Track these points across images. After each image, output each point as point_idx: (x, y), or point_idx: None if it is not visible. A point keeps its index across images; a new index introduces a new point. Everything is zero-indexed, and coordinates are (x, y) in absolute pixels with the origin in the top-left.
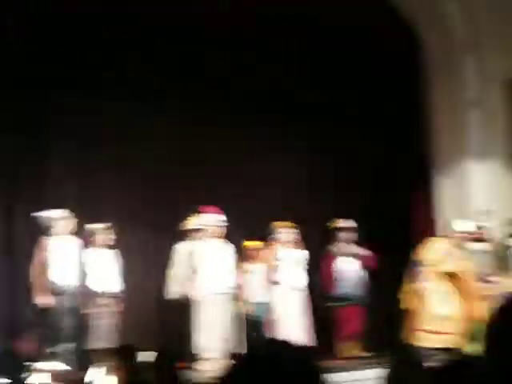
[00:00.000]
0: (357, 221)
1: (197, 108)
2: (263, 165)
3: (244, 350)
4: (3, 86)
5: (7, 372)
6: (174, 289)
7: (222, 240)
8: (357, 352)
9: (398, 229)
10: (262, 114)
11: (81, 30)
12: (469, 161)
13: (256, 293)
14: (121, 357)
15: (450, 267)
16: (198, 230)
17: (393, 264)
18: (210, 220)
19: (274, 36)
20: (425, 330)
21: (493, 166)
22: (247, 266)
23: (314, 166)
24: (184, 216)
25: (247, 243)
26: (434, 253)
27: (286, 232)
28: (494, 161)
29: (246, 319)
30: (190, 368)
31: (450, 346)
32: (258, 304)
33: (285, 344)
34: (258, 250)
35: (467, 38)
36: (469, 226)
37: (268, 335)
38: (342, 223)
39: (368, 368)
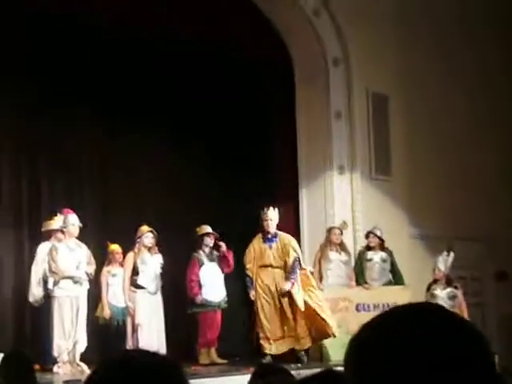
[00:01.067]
0: (221, 229)
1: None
2: (131, 169)
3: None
4: None
5: None
6: (36, 290)
7: (77, 241)
8: (217, 358)
9: None
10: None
11: None
12: (332, 173)
13: (118, 296)
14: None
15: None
16: (58, 231)
17: None
18: (68, 221)
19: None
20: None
21: (355, 179)
22: (110, 268)
23: (181, 174)
24: (47, 217)
25: (112, 246)
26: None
27: (149, 236)
28: (356, 174)
29: (105, 323)
30: (46, 370)
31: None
32: (118, 308)
33: (143, 353)
34: (121, 253)
35: (334, 51)
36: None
37: (127, 340)
38: (207, 229)
39: (227, 375)
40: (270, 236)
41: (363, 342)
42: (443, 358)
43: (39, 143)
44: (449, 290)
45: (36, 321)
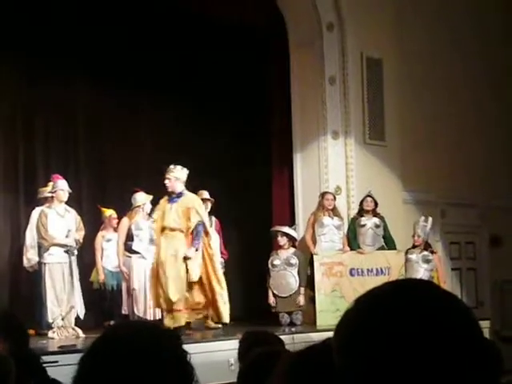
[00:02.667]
0: (220, 195)
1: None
2: (125, 131)
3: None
4: None
5: None
6: (31, 255)
7: (66, 206)
8: (210, 323)
9: (257, 203)
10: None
11: None
12: (326, 138)
13: (112, 261)
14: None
15: None
16: (49, 197)
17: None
18: (57, 185)
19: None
20: None
21: (349, 145)
22: (105, 233)
23: (176, 139)
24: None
25: (107, 211)
26: None
27: (147, 202)
28: (350, 139)
29: (100, 288)
30: (41, 335)
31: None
32: (113, 273)
33: (141, 323)
34: (116, 218)
35: (328, 16)
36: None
37: (123, 305)
38: (205, 195)
39: (220, 340)
40: (173, 196)
41: (350, 321)
42: (430, 336)
43: (34, 109)
44: (424, 253)
45: (31, 286)
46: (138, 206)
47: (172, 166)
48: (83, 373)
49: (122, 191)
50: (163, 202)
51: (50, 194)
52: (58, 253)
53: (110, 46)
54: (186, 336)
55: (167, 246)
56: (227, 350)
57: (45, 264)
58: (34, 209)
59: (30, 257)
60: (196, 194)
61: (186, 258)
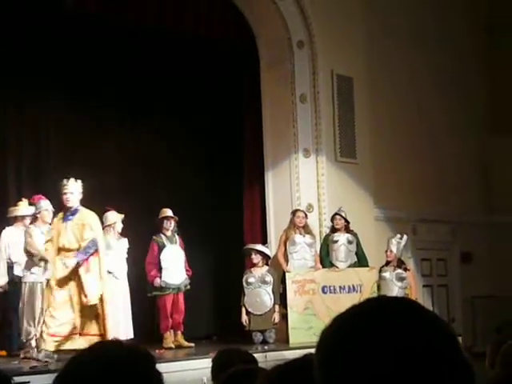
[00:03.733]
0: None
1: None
2: (101, 151)
3: None
4: None
5: None
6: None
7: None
8: (182, 341)
9: (230, 221)
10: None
11: None
12: (297, 156)
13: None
14: None
15: None
16: (25, 217)
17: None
18: (42, 206)
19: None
20: None
21: (320, 162)
22: None
23: (150, 159)
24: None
25: None
26: None
27: (118, 221)
28: (322, 157)
29: None
30: (12, 356)
31: None
32: None
33: (113, 344)
34: None
35: (298, 34)
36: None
37: None
38: (167, 213)
39: (193, 358)
40: (68, 214)
41: (330, 339)
42: (410, 353)
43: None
44: (398, 271)
45: (1, 306)
46: (109, 225)
47: (65, 180)
48: None
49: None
50: (57, 220)
51: (27, 213)
52: (39, 272)
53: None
54: (158, 355)
55: (64, 270)
56: (200, 368)
57: (25, 283)
58: (3, 229)
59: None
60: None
61: (64, 266)
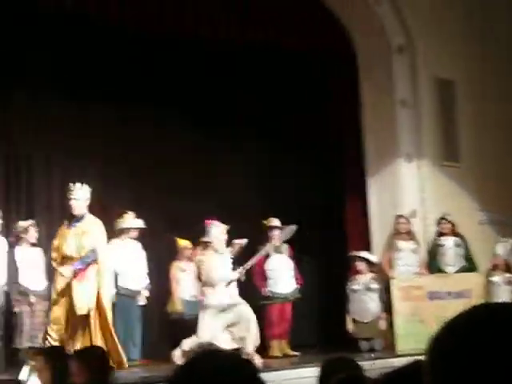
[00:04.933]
0: (291, 219)
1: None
2: (196, 164)
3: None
4: None
5: None
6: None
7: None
8: (287, 351)
9: (333, 229)
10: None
11: None
12: (399, 161)
13: (188, 291)
14: (47, 357)
15: None
16: (129, 230)
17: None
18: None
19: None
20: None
21: (423, 167)
22: (180, 263)
23: (248, 167)
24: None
25: (181, 242)
26: None
27: (220, 232)
28: (424, 161)
29: (177, 317)
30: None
31: None
32: (189, 302)
33: (217, 352)
34: (191, 248)
35: (397, 38)
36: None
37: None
38: (274, 222)
39: (299, 367)
40: (73, 220)
41: (443, 346)
42: None
43: (96, 136)
44: (506, 275)
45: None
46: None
47: (71, 185)
48: None
49: (196, 221)
50: (63, 227)
51: (126, 226)
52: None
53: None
54: (264, 364)
55: (60, 279)
56: (307, 377)
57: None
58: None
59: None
60: (264, 221)
61: (61, 275)
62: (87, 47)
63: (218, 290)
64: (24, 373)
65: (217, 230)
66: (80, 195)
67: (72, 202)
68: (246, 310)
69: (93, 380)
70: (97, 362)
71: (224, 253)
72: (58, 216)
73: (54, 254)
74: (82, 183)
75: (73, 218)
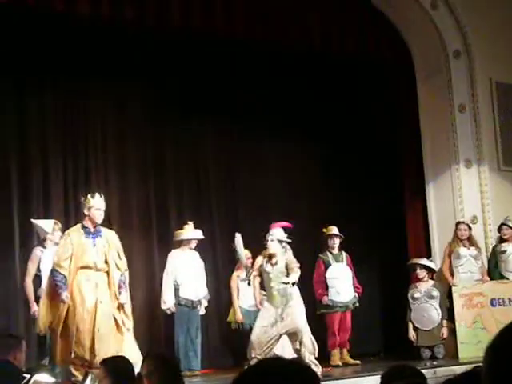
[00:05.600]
0: (351, 227)
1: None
2: (256, 172)
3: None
4: None
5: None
6: (168, 298)
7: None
8: (348, 359)
9: (392, 236)
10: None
11: None
12: (458, 167)
13: (248, 300)
14: (107, 367)
15: None
16: (189, 241)
17: (385, 270)
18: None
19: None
20: None
21: (482, 172)
22: (240, 273)
23: (306, 174)
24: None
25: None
26: None
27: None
28: (484, 167)
29: (238, 327)
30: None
31: None
32: (249, 312)
33: (277, 360)
34: (250, 258)
35: (454, 43)
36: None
37: None
38: (334, 230)
39: (360, 376)
40: (93, 230)
41: (499, 352)
42: None
43: (164, 152)
44: None
45: (168, 328)
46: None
47: (91, 196)
48: None
49: (254, 231)
50: (77, 235)
51: (189, 237)
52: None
53: (234, 93)
54: (326, 373)
55: (94, 290)
56: None
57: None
58: (169, 252)
59: (166, 300)
60: (323, 229)
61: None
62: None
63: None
64: (88, 381)
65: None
66: (102, 205)
67: (101, 213)
68: (298, 322)
69: None
70: (120, 370)
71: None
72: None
73: (65, 263)
74: (101, 194)
75: (86, 227)
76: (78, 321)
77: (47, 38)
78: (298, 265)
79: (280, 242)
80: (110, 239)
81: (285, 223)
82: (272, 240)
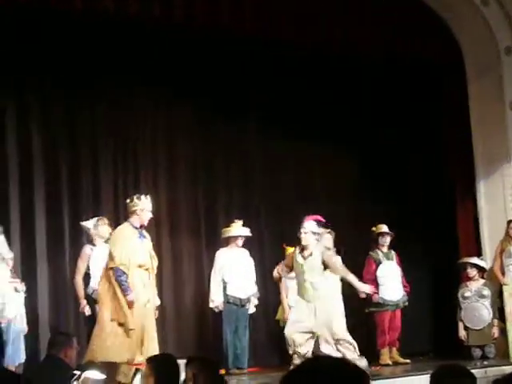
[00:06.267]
0: (401, 226)
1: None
2: (302, 172)
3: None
4: None
5: (56, 380)
6: (216, 296)
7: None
8: (398, 358)
9: (442, 235)
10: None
11: None
12: (510, 165)
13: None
14: (153, 365)
15: None
16: (237, 238)
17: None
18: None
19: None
20: None
21: None
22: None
23: (353, 170)
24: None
25: (289, 249)
26: None
27: (326, 237)
28: None
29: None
30: (230, 375)
31: None
32: None
33: (326, 359)
34: None
35: (505, 40)
36: None
37: None
38: (384, 228)
39: (410, 375)
40: (140, 230)
41: None
42: None
43: (214, 153)
44: None
45: (217, 326)
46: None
47: (137, 197)
48: None
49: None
50: (131, 236)
51: (233, 234)
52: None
53: (282, 95)
54: (375, 372)
55: (143, 289)
56: None
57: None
58: (217, 250)
59: (214, 298)
60: (373, 228)
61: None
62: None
63: None
64: (137, 379)
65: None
66: (151, 206)
67: (146, 214)
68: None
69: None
70: (165, 368)
71: None
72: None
73: (126, 262)
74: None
75: (136, 229)
76: (132, 320)
77: (94, 38)
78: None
79: (314, 233)
80: (149, 241)
81: (318, 216)
82: (305, 233)
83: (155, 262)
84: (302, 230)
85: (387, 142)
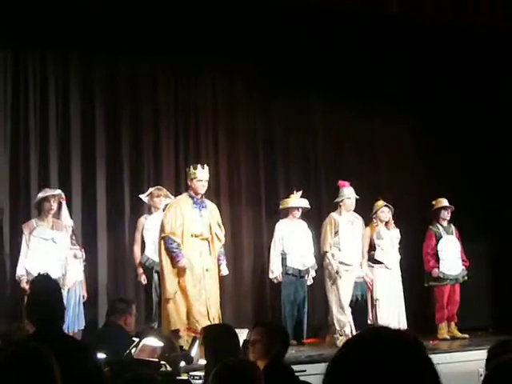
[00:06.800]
0: (460, 200)
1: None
2: (365, 145)
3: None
4: None
5: (115, 346)
6: (276, 267)
7: (354, 214)
8: (456, 333)
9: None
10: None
11: None
12: None
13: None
14: (207, 332)
15: None
16: (295, 209)
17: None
18: (344, 194)
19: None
20: None
21: None
22: None
23: (417, 143)
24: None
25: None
26: None
27: (385, 211)
28: None
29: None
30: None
31: None
32: (357, 283)
33: (386, 330)
34: None
35: None
36: None
37: (368, 315)
38: (444, 203)
39: (468, 350)
40: (199, 200)
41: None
42: None
43: (273, 125)
44: None
45: (276, 297)
46: (375, 213)
47: (194, 167)
48: (329, 381)
49: (362, 206)
50: (186, 205)
51: (295, 205)
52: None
53: (341, 63)
54: (433, 346)
55: (199, 258)
56: (476, 360)
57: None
58: (277, 221)
59: (275, 269)
60: (433, 202)
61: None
62: None
63: None
64: (195, 346)
65: (348, 191)
66: (205, 176)
67: (197, 184)
68: None
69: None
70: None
71: None
72: None
73: (177, 231)
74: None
75: (193, 198)
76: (189, 288)
77: (161, 12)
78: None
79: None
80: (213, 210)
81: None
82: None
83: (221, 233)
84: (350, 196)
85: (455, 117)
